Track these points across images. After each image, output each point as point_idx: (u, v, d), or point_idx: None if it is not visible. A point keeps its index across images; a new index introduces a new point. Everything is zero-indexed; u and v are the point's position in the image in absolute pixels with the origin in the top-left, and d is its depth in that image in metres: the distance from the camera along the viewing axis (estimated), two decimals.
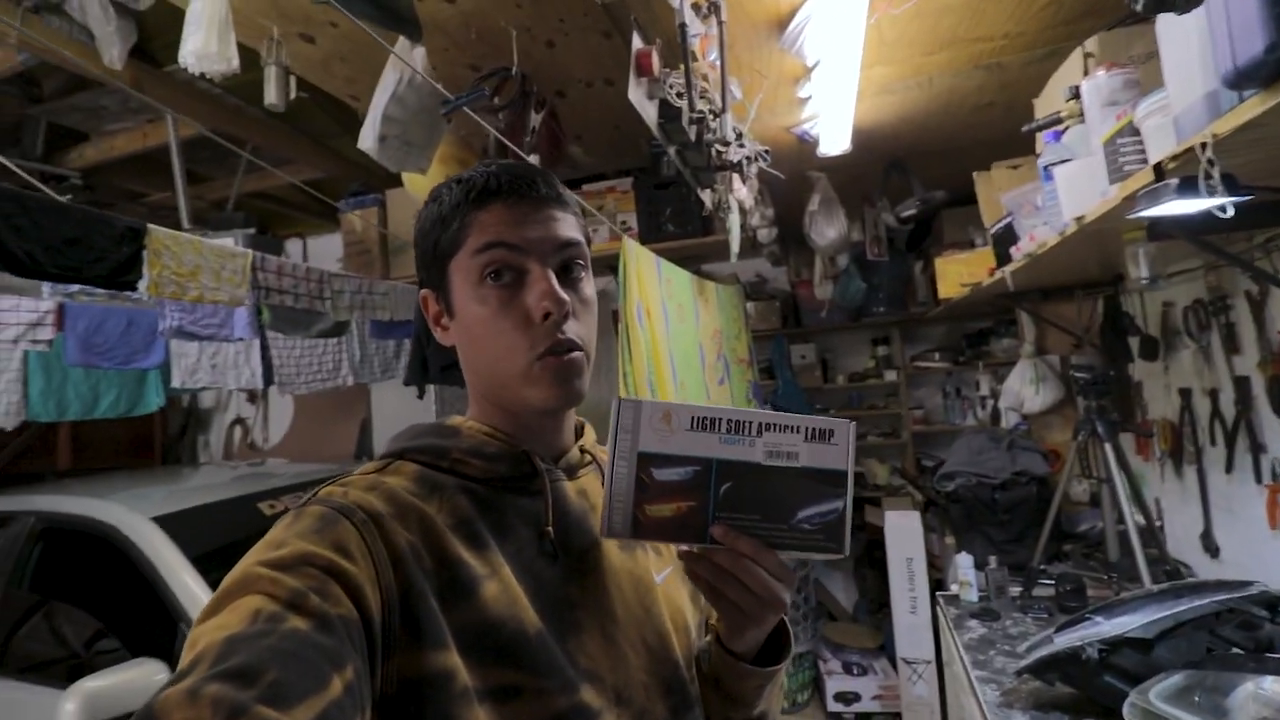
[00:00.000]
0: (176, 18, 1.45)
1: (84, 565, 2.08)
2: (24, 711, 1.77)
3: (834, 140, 2.03)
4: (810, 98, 1.84)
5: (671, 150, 1.54)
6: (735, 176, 1.85)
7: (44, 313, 2.35)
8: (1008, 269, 1.82)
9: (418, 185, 2.29)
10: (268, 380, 2.86)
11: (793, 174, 2.52)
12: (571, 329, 0.57)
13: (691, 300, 2.28)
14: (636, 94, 1.26)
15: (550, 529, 0.57)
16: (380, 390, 3.97)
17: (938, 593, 2.13)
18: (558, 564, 0.57)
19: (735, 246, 2.25)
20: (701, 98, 1.38)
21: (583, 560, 0.59)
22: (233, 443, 4.48)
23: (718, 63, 1.34)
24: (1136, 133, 1.10)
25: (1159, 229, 1.25)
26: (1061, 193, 1.34)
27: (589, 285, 0.61)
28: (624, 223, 3.21)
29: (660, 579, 0.65)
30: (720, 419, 0.52)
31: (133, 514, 1.95)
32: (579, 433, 0.68)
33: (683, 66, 1.23)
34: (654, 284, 1.86)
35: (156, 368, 2.90)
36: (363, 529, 0.48)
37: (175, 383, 2.97)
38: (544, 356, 0.56)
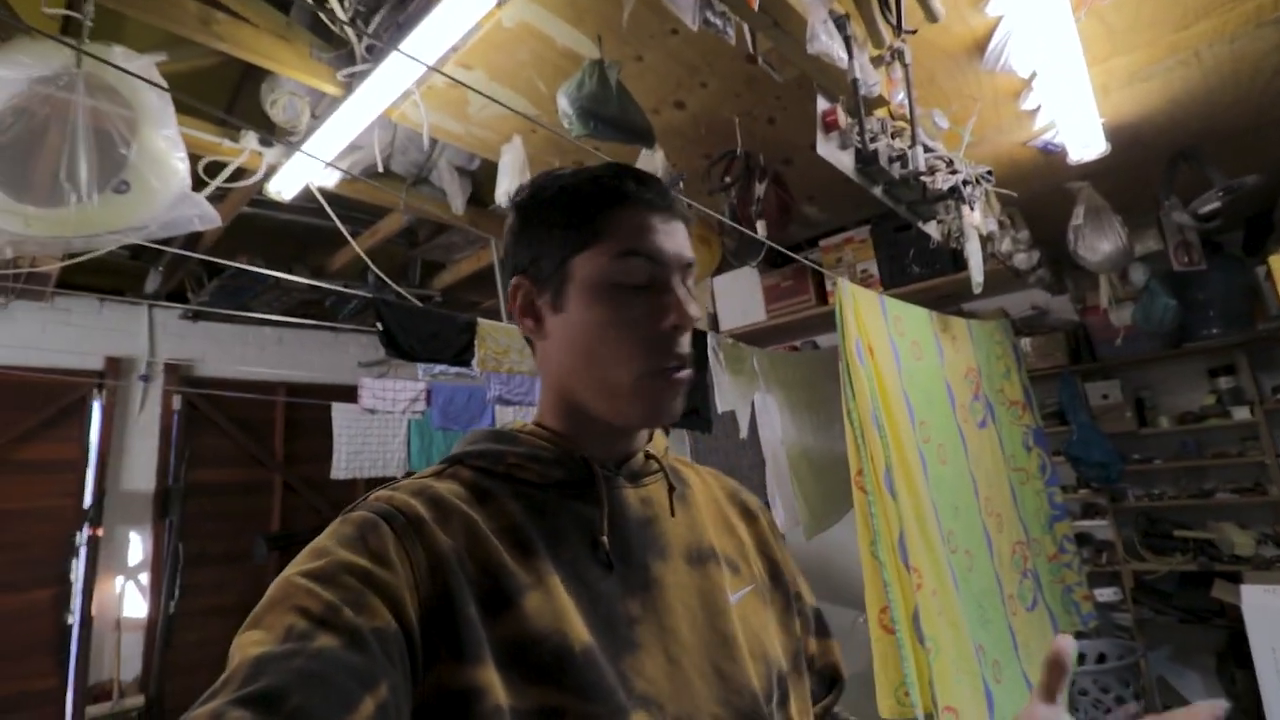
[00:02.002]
0: (494, 170, 2.04)
1: None
2: None
3: (1083, 145, 1.84)
4: (1039, 108, 1.73)
5: (878, 190, 1.61)
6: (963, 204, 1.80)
7: (420, 391, 3.28)
8: None
9: None
10: None
11: (1045, 189, 2.30)
12: (684, 344, 0.56)
13: (931, 337, 2.19)
14: (826, 148, 1.38)
15: (605, 538, 0.54)
16: None
17: None
18: (614, 576, 0.53)
19: (978, 276, 2.12)
20: (894, 137, 1.44)
21: (645, 573, 0.55)
22: None
23: (905, 102, 1.40)
24: None
25: None
26: None
27: None
28: (864, 271, 3.21)
29: (736, 599, 0.59)
30: None
31: None
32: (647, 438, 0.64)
33: (859, 116, 1.33)
34: (878, 321, 1.87)
35: None
36: (402, 534, 0.47)
37: None
38: (659, 373, 0.55)
